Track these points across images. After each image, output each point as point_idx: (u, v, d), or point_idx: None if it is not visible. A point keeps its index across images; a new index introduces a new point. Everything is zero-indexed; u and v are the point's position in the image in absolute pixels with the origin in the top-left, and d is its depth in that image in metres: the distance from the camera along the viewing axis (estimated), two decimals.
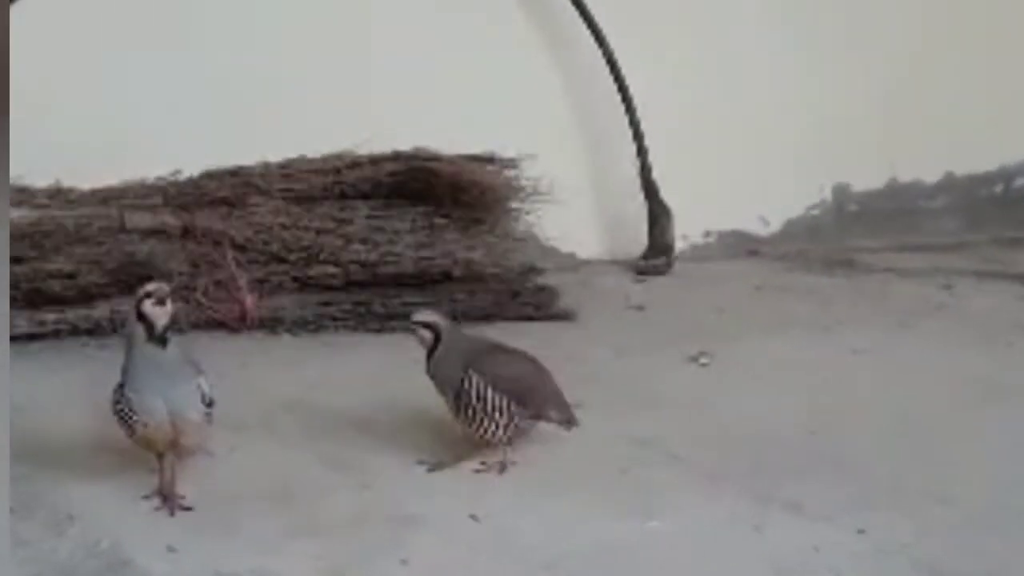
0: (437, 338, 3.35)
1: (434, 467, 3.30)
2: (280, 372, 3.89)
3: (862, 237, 5.32)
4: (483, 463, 3.32)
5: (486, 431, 3.30)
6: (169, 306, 3.00)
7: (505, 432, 3.31)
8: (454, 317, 4.08)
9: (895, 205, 5.43)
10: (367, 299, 4.22)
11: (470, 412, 3.29)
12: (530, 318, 4.35)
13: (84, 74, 4.31)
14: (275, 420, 3.56)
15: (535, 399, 3.35)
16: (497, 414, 3.29)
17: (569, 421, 3.40)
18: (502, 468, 3.32)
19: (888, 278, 4.97)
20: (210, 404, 3.05)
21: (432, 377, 3.35)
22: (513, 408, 3.30)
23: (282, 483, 3.21)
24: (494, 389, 3.28)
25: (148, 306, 3.00)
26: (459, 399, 3.30)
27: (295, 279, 4.23)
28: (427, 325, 3.37)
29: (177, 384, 3.00)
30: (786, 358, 4.13)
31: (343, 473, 3.27)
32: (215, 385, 3.10)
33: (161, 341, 2.99)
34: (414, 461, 3.32)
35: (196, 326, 4.07)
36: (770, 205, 5.24)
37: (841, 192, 5.38)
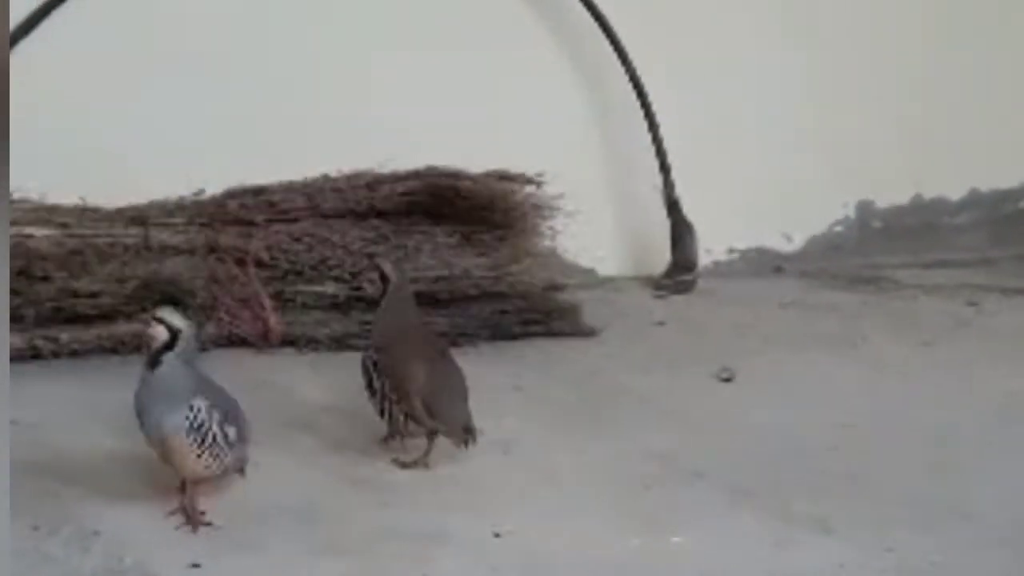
0: (384, 292, 3.45)
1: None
2: (302, 389, 3.90)
3: (886, 254, 5.30)
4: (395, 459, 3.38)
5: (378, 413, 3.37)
6: (157, 330, 3.03)
7: (392, 422, 3.34)
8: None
9: (919, 221, 5.41)
10: None
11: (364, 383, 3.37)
12: (552, 335, 4.35)
13: (109, 93, 4.33)
14: (297, 437, 3.56)
15: (408, 399, 3.31)
16: (382, 399, 3.33)
17: (448, 434, 3.33)
18: (403, 465, 3.34)
19: (913, 295, 4.96)
20: (201, 429, 3.03)
21: None
22: (393, 398, 3.32)
23: (305, 500, 3.21)
24: (376, 373, 3.34)
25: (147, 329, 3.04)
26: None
27: (318, 297, 4.24)
28: (382, 274, 3.45)
29: (166, 407, 3.02)
30: (810, 374, 4.12)
31: (365, 490, 3.28)
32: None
33: (151, 364, 3.02)
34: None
35: (219, 343, 4.09)
36: (794, 221, 5.22)
37: (865, 208, 5.36)
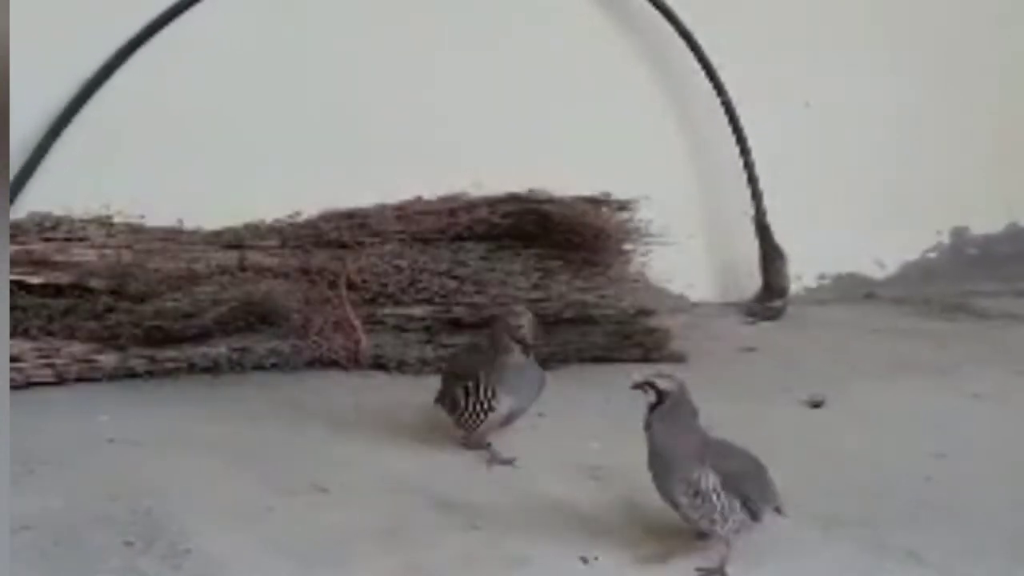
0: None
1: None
2: (391, 410, 3.92)
3: (980, 281, 5.24)
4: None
5: None
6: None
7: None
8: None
9: (1014, 249, 5.35)
10: (479, 340, 4.24)
11: None
12: (642, 359, 4.34)
13: (206, 117, 4.40)
14: (386, 458, 3.58)
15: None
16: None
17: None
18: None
19: (1007, 323, 4.89)
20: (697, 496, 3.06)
21: None
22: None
23: (393, 521, 3.23)
24: None
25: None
26: None
27: (409, 319, 4.27)
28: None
29: (662, 469, 3.11)
30: (902, 402, 4.07)
31: (453, 512, 3.29)
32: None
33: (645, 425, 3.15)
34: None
35: (310, 364, 4.14)
36: (886, 248, 5.18)
37: (959, 235, 5.31)
